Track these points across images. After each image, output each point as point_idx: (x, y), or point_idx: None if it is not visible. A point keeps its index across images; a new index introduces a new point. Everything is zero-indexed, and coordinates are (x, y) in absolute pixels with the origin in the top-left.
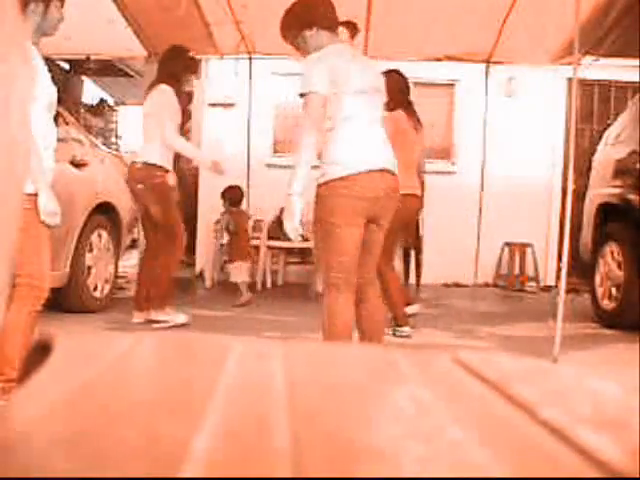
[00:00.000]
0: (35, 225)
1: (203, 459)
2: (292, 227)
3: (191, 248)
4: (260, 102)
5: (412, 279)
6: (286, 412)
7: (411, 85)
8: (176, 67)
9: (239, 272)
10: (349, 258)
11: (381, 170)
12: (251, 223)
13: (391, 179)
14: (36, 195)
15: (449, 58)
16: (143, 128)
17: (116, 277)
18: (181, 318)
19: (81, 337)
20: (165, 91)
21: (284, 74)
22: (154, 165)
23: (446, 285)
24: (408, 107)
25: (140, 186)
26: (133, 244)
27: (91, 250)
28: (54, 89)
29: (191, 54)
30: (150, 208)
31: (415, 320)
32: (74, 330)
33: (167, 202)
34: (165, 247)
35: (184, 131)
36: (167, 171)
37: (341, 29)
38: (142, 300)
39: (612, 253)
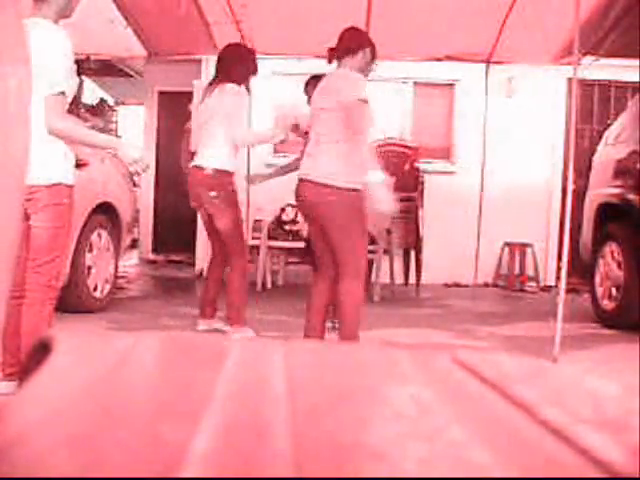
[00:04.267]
0: (69, 220)
1: (203, 459)
2: None
3: (191, 248)
4: (260, 102)
5: (412, 279)
6: (286, 412)
7: (411, 85)
8: (245, 67)
9: None
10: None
11: (300, 180)
12: (251, 223)
13: (305, 187)
14: (72, 187)
15: (449, 58)
16: (204, 129)
17: (116, 277)
18: (249, 332)
19: (81, 337)
20: (239, 91)
21: (284, 74)
22: (226, 172)
23: (446, 285)
24: None
25: (213, 194)
26: (133, 244)
27: (91, 250)
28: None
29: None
30: (221, 217)
31: (371, 322)
32: (74, 330)
33: (237, 211)
34: (234, 256)
35: (184, 130)
36: (232, 175)
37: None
38: (208, 307)
39: (612, 253)
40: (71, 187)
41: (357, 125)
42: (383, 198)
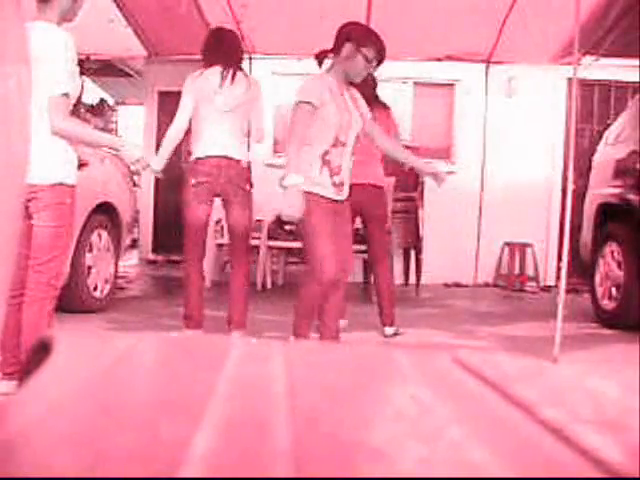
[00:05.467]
0: (70, 220)
1: (203, 459)
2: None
3: None
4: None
5: (412, 279)
6: (286, 412)
7: (411, 85)
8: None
9: None
10: None
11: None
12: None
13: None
14: (74, 187)
15: (449, 58)
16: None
17: (116, 277)
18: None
19: (81, 337)
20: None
21: (284, 74)
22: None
23: (446, 285)
24: None
25: (248, 188)
26: (133, 244)
27: (91, 250)
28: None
29: None
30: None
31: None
32: (74, 330)
33: None
34: (246, 254)
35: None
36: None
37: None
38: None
39: (612, 253)
40: (73, 187)
41: None
42: None
